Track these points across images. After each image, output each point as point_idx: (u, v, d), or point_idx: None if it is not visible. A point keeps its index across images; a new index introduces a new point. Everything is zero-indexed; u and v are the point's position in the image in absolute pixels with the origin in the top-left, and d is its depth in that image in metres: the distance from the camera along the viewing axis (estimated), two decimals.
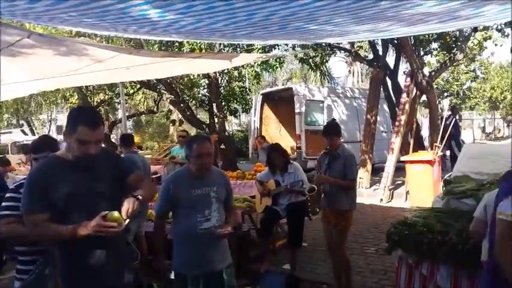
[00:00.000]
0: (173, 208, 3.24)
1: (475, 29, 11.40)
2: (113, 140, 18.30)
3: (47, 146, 2.95)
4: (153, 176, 8.47)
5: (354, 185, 4.69)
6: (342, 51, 15.61)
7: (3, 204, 2.80)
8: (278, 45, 13.38)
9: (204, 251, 3.12)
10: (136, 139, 28.44)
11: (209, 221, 3.13)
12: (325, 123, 12.62)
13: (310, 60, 14.30)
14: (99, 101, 18.65)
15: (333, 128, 4.67)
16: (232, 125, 32.83)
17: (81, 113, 2.48)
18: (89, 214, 2.29)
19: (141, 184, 2.64)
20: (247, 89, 17.97)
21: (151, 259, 3.86)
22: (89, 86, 15.96)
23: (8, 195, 2.84)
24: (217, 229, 3.12)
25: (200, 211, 3.11)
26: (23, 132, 31.24)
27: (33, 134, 32.01)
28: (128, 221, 2.34)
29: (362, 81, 33.62)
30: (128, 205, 2.35)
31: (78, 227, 2.26)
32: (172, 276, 3.21)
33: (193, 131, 23.97)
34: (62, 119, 37.86)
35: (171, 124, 21.05)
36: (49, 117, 36.55)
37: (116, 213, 2.27)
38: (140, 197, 2.44)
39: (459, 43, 11.92)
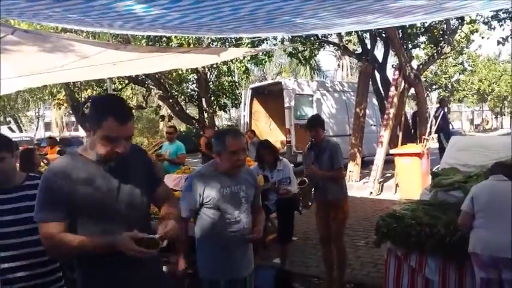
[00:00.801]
0: (199, 208, 2.90)
1: (462, 23, 11.47)
2: None
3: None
4: None
5: (342, 173, 4.73)
6: (331, 45, 15.63)
7: None
8: (267, 40, 13.36)
9: (232, 255, 2.87)
10: None
11: (239, 223, 2.86)
12: None
13: (299, 54, 14.30)
14: (86, 97, 18.49)
15: (316, 120, 4.72)
16: (222, 119, 32.79)
17: (108, 104, 2.02)
18: (113, 225, 1.98)
19: (168, 203, 2.29)
20: (236, 84, 17.94)
21: (166, 261, 3.54)
22: (76, 82, 15.81)
23: None
24: (247, 232, 2.89)
25: (229, 212, 2.83)
26: (10, 129, 30.95)
27: (21, 131, 31.74)
28: (165, 242, 1.95)
29: (351, 75, 33.75)
30: (166, 227, 1.98)
31: (104, 242, 1.92)
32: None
33: (182, 127, 23.90)
34: (50, 116, 37.57)
35: (160, 120, 20.92)
36: (36, 114, 36.21)
37: (155, 238, 1.90)
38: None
39: (446, 36, 11.99)
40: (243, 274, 2.93)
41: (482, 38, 11.78)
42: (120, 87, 17.81)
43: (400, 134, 10.86)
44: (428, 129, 10.21)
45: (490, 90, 32.49)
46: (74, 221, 1.99)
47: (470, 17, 10.81)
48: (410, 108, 25.45)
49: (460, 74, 30.02)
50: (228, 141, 2.81)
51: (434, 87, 30.11)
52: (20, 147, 14.42)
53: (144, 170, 2.20)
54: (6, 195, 2.48)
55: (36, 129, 36.03)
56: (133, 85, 18.43)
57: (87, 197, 1.98)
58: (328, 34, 13.68)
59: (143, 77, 15.31)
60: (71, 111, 22.10)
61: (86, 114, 2.14)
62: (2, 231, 2.41)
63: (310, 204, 5.03)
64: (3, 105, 26.26)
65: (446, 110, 12.54)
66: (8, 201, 2.47)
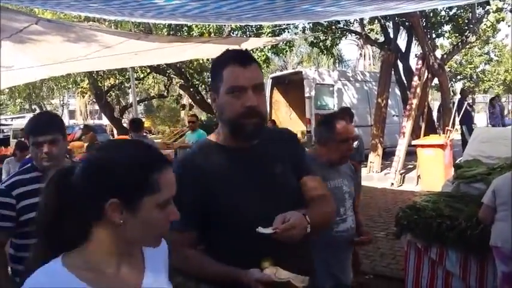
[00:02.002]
0: None
1: (488, 11, 11.16)
2: (124, 124, 18.42)
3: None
4: None
5: (359, 166, 4.69)
6: (353, 34, 15.42)
7: None
8: (288, 28, 13.26)
9: (338, 260, 2.46)
10: (148, 123, 28.64)
11: (345, 222, 2.47)
12: (335, 107, 12.59)
13: (321, 43, 14.15)
14: (109, 85, 18.73)
15: (345, 111, 4.70)
16: None
17: (224, 54, 1.62)
18: (251, 231, 1.44)
19: (318, 201, 1.70)
20: None
21: None
22: (99, 71, 16.02)
23: None
24: (353, 232, 2.53)
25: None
26: None
27: None
28: (305, 282, 1.40)
29: (374, 64, 33.29)
30: (285, 219, 1.46)
31: (233, 276, 1.46)
32: None
33: (203, 115, 24.05)
34: (74, 104, 38.18)
35: (181, 108, 21.07)
36: (61, 102, 36.84)
37: (291, 281, 1.38)
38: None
39: (472, 25, 11.69)
40: (347, 280, 2.52)
41: (509, 26, 11.45)
42: (142, 76, 17.97)
43: (423, 125, 10.69)
44: (451, 120, 10.02)
45: None
46: (208, 231, 1.58)
47: (496, 5, 10.50)
48: (433, 99, 25.03)
49: (485, 64, 29.31)
50: (338, 128, 2.43)
51: (458, 77, 29.47)
52: None
53: (292, 154, 1.72)
54: None
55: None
56: (154, 74, 18.57)
57: (224, 198, 1.54)
58: (350, 23, 13.49)
59: (164, 66, 15.40)
60: (94, 100, 22.41)
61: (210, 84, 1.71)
62: None
63: None
64: (28, 93, 26.79)
65: (470, 101, 12.21)
66: None
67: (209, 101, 20.32)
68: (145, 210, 1.07)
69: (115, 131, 19.60)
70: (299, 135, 11.57)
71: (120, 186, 1.06)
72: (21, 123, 23.40)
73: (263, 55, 15.13)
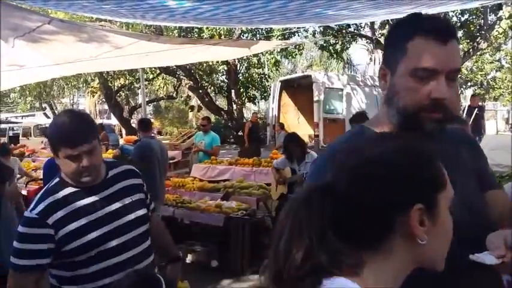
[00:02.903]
0: None
1: (500, 18, 11.10)
2: (133, 125, 18.52)
3: None
4: (171, 162, 8.54)
5: None
6: (363, 39, 15.41)
7: (20, 246, 1.71)
8: (298, 32, 13.29)
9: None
10: (156, 124, 28.76)
11: None
12: (343, 112, 12.56)
13: (331, 47, 14.15)
14: (119, 85, 18.85)
15: (360, 116, 4.72)
16: (251, 111, 32.84)
17: (420, 18, 1.22)
18: None
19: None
20: (266, 76, 17.94)
21: None
22: (110, 71, 16.14)
23: (25, 229, 1.72)
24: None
25: None
26: (46, 115, 31.82)
27: None
28: None
29: None
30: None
31: None
32: None
33: (211, 117, 24.12)
34: (84, 103, 38.44)
35: (190, 110, 21.14)
36: (71, 101, 37.12)
37: None
38: None
39: (483, 32, 11.63)
40: None
41: None
42: (152, 76, 18.07)
43: None
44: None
45: None
46: None
47: (509, 11, 10.44)
48: None
49: (496, 71, 29.13)
50: None
51: (469, 84, 29.32)
52: None
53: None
54: (99, 194, 1.81)
55: None
56: (164, 75, 18.67)
57: None
58: (361, 27, 13.48)
59: (174, 67, 15.49)
60: (104, 99, 22.56)
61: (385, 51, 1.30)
62: (108, 248, 1.78)
63: None
64: (39, 91, 27.02)
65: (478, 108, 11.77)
66: (102, 203, 1.81)
67: (218, 102, 20.37)
68: (443, 214, 0.84)
69: (123, 131, 19.71)
70: (306, 139, 11.58)
71: (425, 186, 0.82)
72: (30, 121, 23.63)
73: (272, 58, 15.17)
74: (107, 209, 1.79)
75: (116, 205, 1.82)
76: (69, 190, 1.78)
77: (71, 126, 1.70)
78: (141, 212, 1.90)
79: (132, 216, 1.85)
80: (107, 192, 1.82)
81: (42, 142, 14.25)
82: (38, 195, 1.80)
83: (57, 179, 1.83)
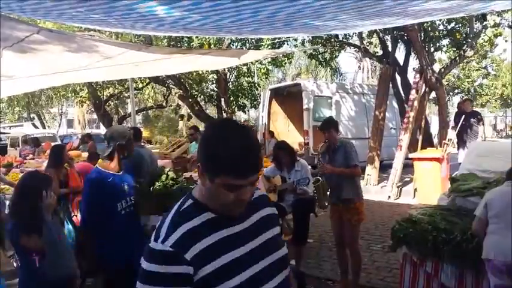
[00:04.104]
0: None
1: (485, 26, 11.28)
2: None
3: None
4: None
5: (359, 170, 4.72)
6: (352, 47, 15.55)
7: None
8: (287, 41, 13.38)
9: None
10: (146, 133, 28.63)
11: None
12: None
13: (320, 55, 14.27)
14: (108, 95, 18.79)
15: (329, 122, 4.77)
16: (241, 120, 32.88)
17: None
18: None
19: None
20: (255, 84, 18.01)
21: None
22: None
23: (155, 267, 1.30)
24: None
25: None
26: (34, 125, 31.57)
27: (44, 127, 32.34)
28: None
29: (372, 77, 33.46)
30: None
31: None
32: None
33: (201, 126, 24.10)
34: (73, 113, 38.21)
35: (179, 119, 21.12)
36: (60, 111, 36.86)
37: None
38: None
39: (469, 40, 11.81)
40: None
41: (506, 41, 11.58)
42: (141, 85, 18.06)
43: (420, 138, 10.73)
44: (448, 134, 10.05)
45: None
46: None
47: (494, 20, 10.63)
48: (431, 113, 25.10)
49: (483, 78, 29.55)
50: None
51: (456, 91, 29.68)
52: (43, 143, 14.46)
53: None
54: (243, 223, 1.47)
55: (59, 126, 36.67)
56: (154, 84, 18.66)
57: None
58: (349, 36, 13.61)
59: (164, 76, 15.50)
60: (93, 109, 22.46)
61: None
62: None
63: (326, 204, 5.05)
64: (27, 101, 26.86)
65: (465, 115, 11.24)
66: (247, 235, 1.47)
67: (208, 111, 20.42)
68: None
69: None
70: (296, 147, 11.62)
71: None
72: (18, 131, 23.41)
73: (263, 67, 15.25)
74: (250, 245, 1.44)
75: (258, 241, 1.47)
76: (206, 215, 1.40)
77: (245, 152, 1.34)
78: (282, 252, 1.53)
79: (275, 256, 1.49)
80: (247, 222, 1.48)
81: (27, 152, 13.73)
82: (166, 221, 1.40)
83: (190, 201, 1.45)
